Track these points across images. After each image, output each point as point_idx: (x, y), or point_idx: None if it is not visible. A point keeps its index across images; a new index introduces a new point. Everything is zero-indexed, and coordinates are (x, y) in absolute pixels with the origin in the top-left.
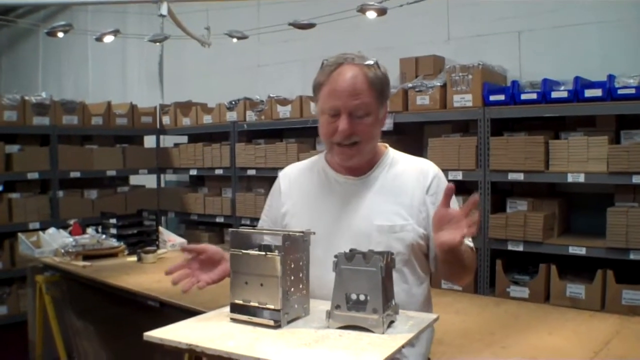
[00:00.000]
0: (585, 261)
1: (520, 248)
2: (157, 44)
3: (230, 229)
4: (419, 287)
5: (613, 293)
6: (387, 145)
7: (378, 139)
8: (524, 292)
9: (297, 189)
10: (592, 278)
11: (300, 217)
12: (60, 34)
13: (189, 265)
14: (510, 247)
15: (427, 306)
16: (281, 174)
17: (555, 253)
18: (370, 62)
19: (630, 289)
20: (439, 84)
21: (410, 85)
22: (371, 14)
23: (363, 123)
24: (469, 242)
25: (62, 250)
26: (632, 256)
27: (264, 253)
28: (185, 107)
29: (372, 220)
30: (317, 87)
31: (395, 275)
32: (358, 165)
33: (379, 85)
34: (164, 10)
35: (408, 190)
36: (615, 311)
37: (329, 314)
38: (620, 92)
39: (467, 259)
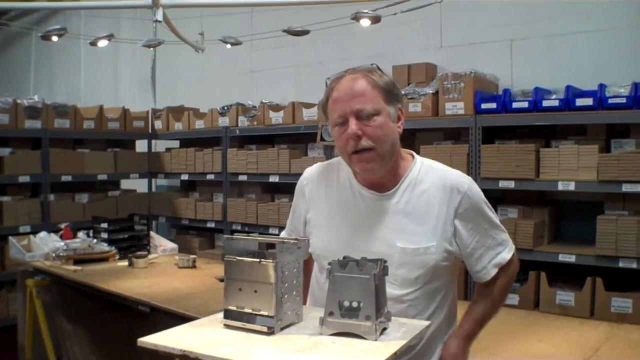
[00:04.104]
0: (575, 269)
1: None
2: (150, 48)
3: (225, 236)
4: (444, 301)
5: (602, 300)
6: (413, 153)
7: (396, 144)
8: (514, 299)
9: (322, 195)
10: (581, 285)
11: (321, 230)
12: (55, 38)
13: None
14: None
15: (452, 319)
16: (305, 178)
17: (545, 260)
18: (371, 68)
19: (619, 296)
20: (431, 91)
21: (402, 92)
22: (365, 22)
23: (373, 124)
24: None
25: (53, 254)
26: (621, 264)
27: (258, 260)
28: (177, 112)
29: (394, 242)
30: (323, 106)
31: (417, 294)
32: (380, 175)
33: (383, 85)
34: (159, 15)
35: (434, 208)
36: (605, 318)
37: (322, 321)
38: (611, 101)
39: (486, 315)
